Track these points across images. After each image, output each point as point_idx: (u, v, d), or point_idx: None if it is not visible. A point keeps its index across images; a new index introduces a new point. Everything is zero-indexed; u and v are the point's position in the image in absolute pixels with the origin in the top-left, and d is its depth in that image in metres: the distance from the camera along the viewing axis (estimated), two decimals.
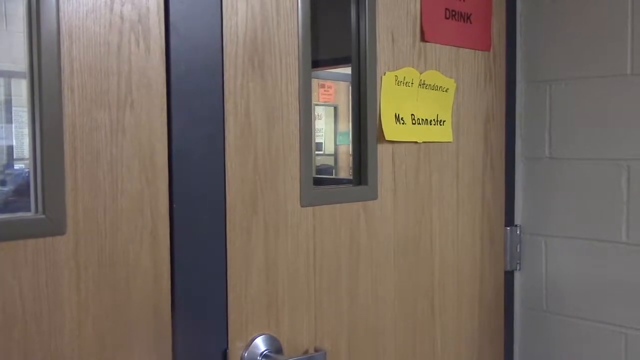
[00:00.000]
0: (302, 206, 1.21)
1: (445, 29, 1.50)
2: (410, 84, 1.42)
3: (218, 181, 1.08)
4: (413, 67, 1.42)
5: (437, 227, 1.51)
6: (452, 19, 1.51)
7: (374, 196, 1.35)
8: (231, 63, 1.08)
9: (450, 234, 1.54)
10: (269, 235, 1.16)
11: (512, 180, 1.72)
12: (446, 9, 1.49)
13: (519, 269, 1.73)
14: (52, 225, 0.89)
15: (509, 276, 1.73)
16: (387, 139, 1.36)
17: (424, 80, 1.45)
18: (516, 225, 1.72)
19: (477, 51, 1.58)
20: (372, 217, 1.36)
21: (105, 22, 0.93)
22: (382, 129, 1.35)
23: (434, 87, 1.47)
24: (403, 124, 1.41)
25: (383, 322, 1.39)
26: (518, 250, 1.72)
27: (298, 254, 1.21)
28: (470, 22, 1.55)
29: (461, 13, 1.53)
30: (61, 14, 0.89)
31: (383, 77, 1.35)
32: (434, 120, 1.48)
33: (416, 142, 1.44)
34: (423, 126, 1.45)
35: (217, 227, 1.08)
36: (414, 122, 1.43)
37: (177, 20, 1.01)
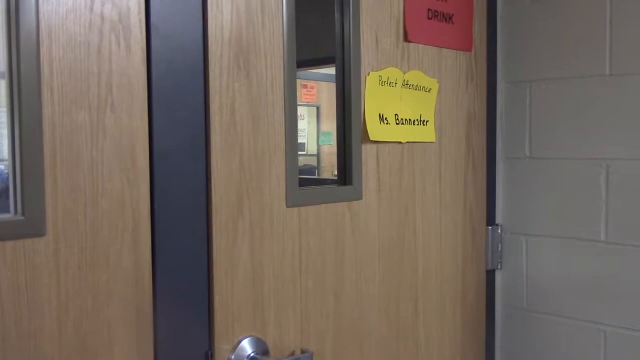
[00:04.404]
0: (287, 207, 1.21)
1: (428, 29, 1.50)
2: (394, 84, 1.42)
3: (200, 182, 1.07)
4: (397, 67, 1.43)
5: (420, 227, 1.51)
6: (434, 19, 1.51)
7: (358, 196, 1.36)
8: (216, 63, 1.08)
9: (433, 233, 1.55)
10: (255, 236, 1.15)
11: (493, 180, 1.73)
12: (428, 9, 1.50)
13: (500, 268, 1.74)
14: (32, 226, 0.88)
15: (490, 275, 1.74)
16: (371, 139, 1.36)
17: (408, 80, 1.45)
18: (497, 225, 1.73)
19: (458, 52, 1.59)
20: (357, 217, 1.36)
21: (85, 22, 0.93)
22: (366, 129, 1.36)
23: (417, 87, 1.48)
24: (387, 124, 1.41)
25: (368, 322, 1.39)
26: (499, 249, 1.73)
27: (284, 254, 1.21)
28: (452, 23, 1.56)
29: (443, 13, 1.53)
30: (40, 13, 0.88)
31: (367, 77, 1.36)
32: (417, 120, 1.48)
33: (400, 142, 1.45)
34: (407, 126, 1.46)
35: (200, 228, 1.08)
36: (397, 122, 1.43)
37: (158, 20, 1.00)
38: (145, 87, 1.00)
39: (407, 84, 1.45)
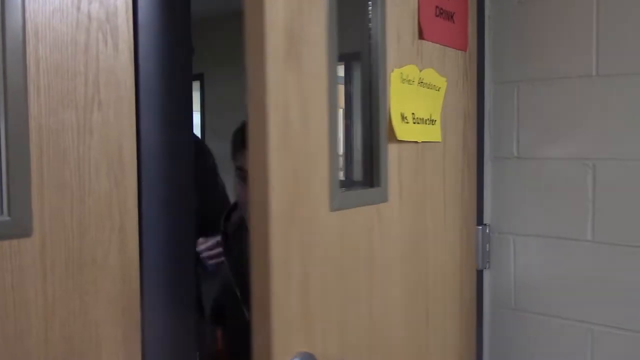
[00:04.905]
0: (331, 211, 1.14)
1: (437, 27, 1.47)
2: (412, 82, 1.38)
3: (188, 181, 1.07)
4: (414, 64, 1.38)
5: (430, 229, 1.50)
6: (440, 17, 1.49)
7: (385, 199, 1.30)
8: (272, 52, 0.97)
9: (440, 235, 1.54)
10: (304, 243, 1.07)
11: (481, 180, 1.74)
12: (436, 6, 1.46)
13: (488, 268, 1.75)
14: (18, 227, 0.87)
15: (479, 275, 1.75)
16: (398, 138, 1.31)
17: (422, 79, 1.42)
18: (485, 224, 1.74)
19: (457, 51, 1.59)
20: (384, 221, 1.30)
21: (72, 20, 0.92)
22: (392, 128, 1.30)
23: (429, 86, 1.45)
24: (407, 123, 1.36)
25: (394, 329, 1.36)
26: (487, 249, 1.74)
27: (327, 262, 1.14)
28: (453, 22, 1.54)
29: (447, 12, 1.51)
30: (27, 13, 0.87)
31: (391, 74, 1.30)
32: (428, 119, 1.45)
33: (416, 142, 1.41)
34: (421, 125, 1.42)
35: (187, 228, 1.07)
36: (414, 121, 1.39)
37: (145, 18, 1.00)
38: (133, 86, 0.99)
39: (421, 82, 1.41)
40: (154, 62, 1.02)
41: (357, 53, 1.30)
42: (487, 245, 1.74)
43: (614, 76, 1.51)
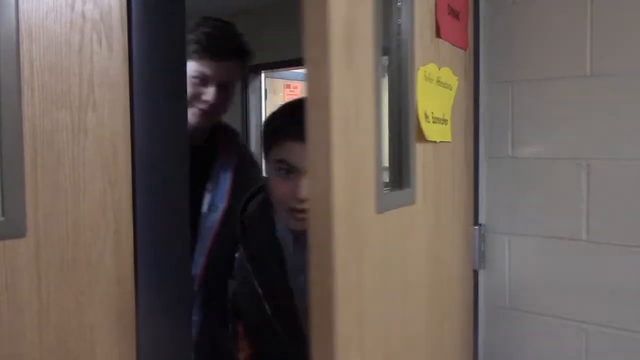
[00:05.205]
0: (376, 212, 1.07)
1: (449, 25, 1.45)
2: (432, 81, 1.35)
3: (183, 183, 1.07)
4: (434, 63, 1.36)
5: (443, 230, 1.49)
6: (450, 15, 1.47)
7: (414, 200, 1.26)
8: (335, 42, 0.91)
9: (449, 236, 1.54)
10: (354, 247, 1.01)
11: (476, 180, 1.74)
12: (448, 4, 1.44)
13: (484, 268, 1.76)
14: (12, 227, 0.87)
15: (474, 275, 1.75)
16: (428, 139, 1.28)
17: (439, 77, 1.39)
18: (480, 224, 1.74)
19: (461, 50, 1.58)
20: (414, 223, 1.27)
21: (66, 21, 0.92)
22: (421, 128, 1.26)
23: (445, 85, 1.43)
24: (429, 122, 1.33)
25: (418, 331, 1.33)
26: (482, 249, 1.74)
27: (375, 267, 1.08)
28: (459, 20, 1.53)
29: (455, 10, 1.49)
30: (20, 13, 0.87)
31: (418, 72, 1.27)
32: (441, 118, 1.42)
33: (435, 142, 1.38)
34: (437, 125, 1.39)
35: (182, 228, 1.07)
36: (433, 120, 1.36)
37: (139, 18, 1.00)
38: (127, 86, 0.99)
39: (439, 81, 1.39)
40: (149, 62, 1.01)
41: (386, 48, 1.21)
42: (482, 245, 1.74)
43: (607, 76, 1.51)
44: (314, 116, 0.93)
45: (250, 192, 1.65)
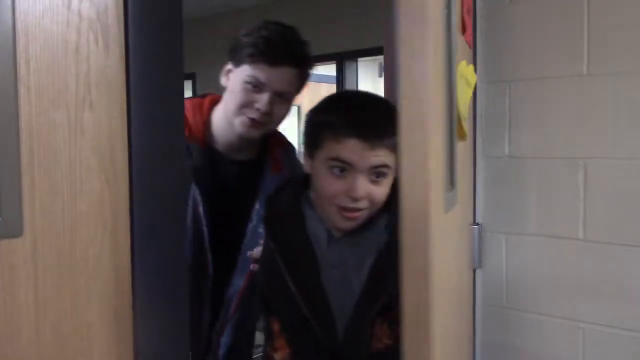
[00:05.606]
0: (444, 213, 1.04)
1: (468, 23, 1.43)
2: (462, 77, 1.33)
3: (180, 182, 1.07)
4: (464, 60, 1.33)
5: (459, 230, 1.47)
6: (468, 14, 1.45)
7: (457, 201, 1.23)
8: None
9: (457, 234, 1.52)
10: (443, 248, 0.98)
11: (474, 179, 1.74)
12: (467, 3, 1.42)
13: (481, 267, 1.76)
14: (8, 227, 0.87)
15: (472, 274, 1.76)
16: (465, 138, 1.23)
17: (466, 75, 1.37)
18: (477, 224, 1.75)
19: (469, 48, 1.57)
20: (455, 225, 1.24)
21: (63, 20, 0.92)
22: (461, 126, 1.20)
23: (468, 83, 1.40)
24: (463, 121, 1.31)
25: (448, 333, 1.29)
26: (479, 248, 1.75)
27: (442, 271, 1.04)
28: (470, 18, 1.52)
29: (469, 8, 1.47)
30: (17, 12, 0.87)
31: (457, 67, 1.23)
32: (462, 117, 1.39)
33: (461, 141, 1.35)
34: (461, 123, 1.37)
35: (179, 228, 1.07)
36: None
37: (136, 17, 1.00)
38: (124, 86, 0.99)
39: (465, 79, 1.37)
40: (145, 62, 1.01)
41: None
42: (479, 244, 1.74)
43: (604, 76, 1.51)
44: (407, 116, 0.89)
45: (275, 188, 1.62)
